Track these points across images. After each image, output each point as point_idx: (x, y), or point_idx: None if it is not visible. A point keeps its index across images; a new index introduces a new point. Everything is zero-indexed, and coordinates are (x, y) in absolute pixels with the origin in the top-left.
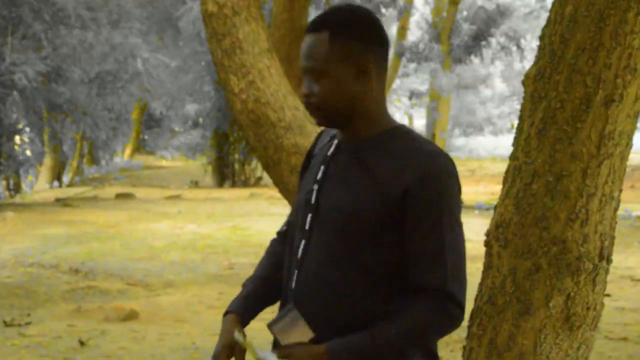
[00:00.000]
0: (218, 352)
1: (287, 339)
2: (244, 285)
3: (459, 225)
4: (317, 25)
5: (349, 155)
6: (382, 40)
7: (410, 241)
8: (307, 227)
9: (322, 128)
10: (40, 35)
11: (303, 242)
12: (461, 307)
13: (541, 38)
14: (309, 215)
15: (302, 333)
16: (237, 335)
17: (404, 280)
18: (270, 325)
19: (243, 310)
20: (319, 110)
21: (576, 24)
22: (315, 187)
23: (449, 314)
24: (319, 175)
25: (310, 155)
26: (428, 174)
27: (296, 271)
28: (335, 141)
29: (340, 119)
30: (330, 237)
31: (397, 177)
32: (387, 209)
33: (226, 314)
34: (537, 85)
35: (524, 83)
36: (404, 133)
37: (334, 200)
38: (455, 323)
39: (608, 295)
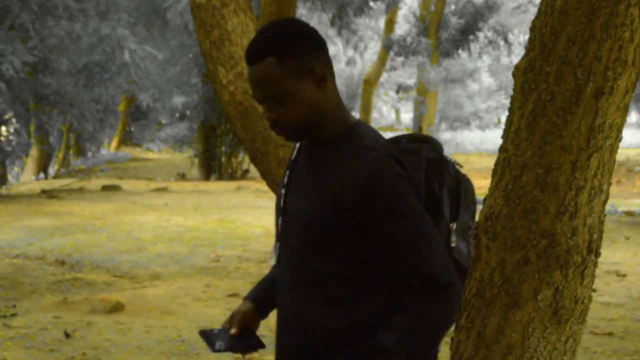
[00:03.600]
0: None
1: None
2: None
3: (416, 213)
4: (257, 55)
5: (306, 160)
6: (322, 41)
7: (380, 243)
8: (279, 229)
9: None
10: (28, 25)
11: (279, 244)
12: (450, 283)
13: (531, 30)
14: (280, 220)
15: None
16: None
17: (379, 276)
18: None
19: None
20: (290, 130)
21: (567, 16)
22: (283, 191)
23: (444, 298)
24: (285, 180)
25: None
26: (371, 177)
27: (278, 275)
28: (297, 145)
29: (310, 131)
30: (294, 240)
31: (345, 182)
32: (340, 215)
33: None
34: (527, 77)
35: (514, 75)
36: (355, 136)
37: (295, 206)
38: (454, 301)
39: (594, 290)
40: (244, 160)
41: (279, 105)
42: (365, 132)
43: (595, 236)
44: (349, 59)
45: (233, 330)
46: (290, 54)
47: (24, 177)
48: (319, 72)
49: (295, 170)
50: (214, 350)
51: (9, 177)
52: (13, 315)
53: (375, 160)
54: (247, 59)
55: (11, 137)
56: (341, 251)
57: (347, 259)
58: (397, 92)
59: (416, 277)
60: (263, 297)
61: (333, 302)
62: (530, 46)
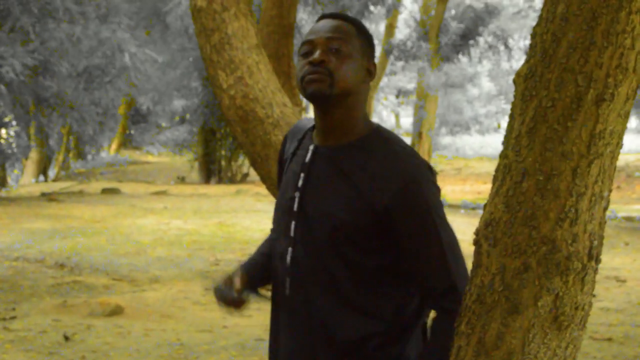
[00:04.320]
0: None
1: None
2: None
3: (446, 222)
4: (342, 18)
5: (329, 163)
6: None
7: (409, 250)
8: (291, 234)
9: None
10: (28, 28)
11: (290, 249)
12: None
13: (532, 36)
14: (293, 223)
15: None
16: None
17: (396, 283)
18: None
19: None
20: (332, 79)
21: (568, 23)
22: (297, 194)
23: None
24: (300, 183)
25: (281, 162)
26: (409, 184)
27: (288, 279)
28: (312, 147)
29: (342, 102)
30: (319, 244)
31: (380, 186)
32: (373, 218)
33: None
34: (528, 83)
35: (515, 81)
36: (383, 139)
37: (319, 209)
38: None
39: (594, 295)
40: (244, 164)
41: (337, 57)
42: (391, 136)
43: (595, 243)
44: None
45: (237, 284)
46: (365, 37)
47: (24, 179)
48: (373, 67)
49: (314, 173)
50: (243, 298)
51: (9, 180)
52: (12, 318)
53: (412, 166)
54: (326, 15)
55: (11, 140)
56: (365, 256)
57: (370, 264)
58: (397, 96)
59: (441, 286)
60: (254, 273)
61: (353, 308)
62: (531, 53)
